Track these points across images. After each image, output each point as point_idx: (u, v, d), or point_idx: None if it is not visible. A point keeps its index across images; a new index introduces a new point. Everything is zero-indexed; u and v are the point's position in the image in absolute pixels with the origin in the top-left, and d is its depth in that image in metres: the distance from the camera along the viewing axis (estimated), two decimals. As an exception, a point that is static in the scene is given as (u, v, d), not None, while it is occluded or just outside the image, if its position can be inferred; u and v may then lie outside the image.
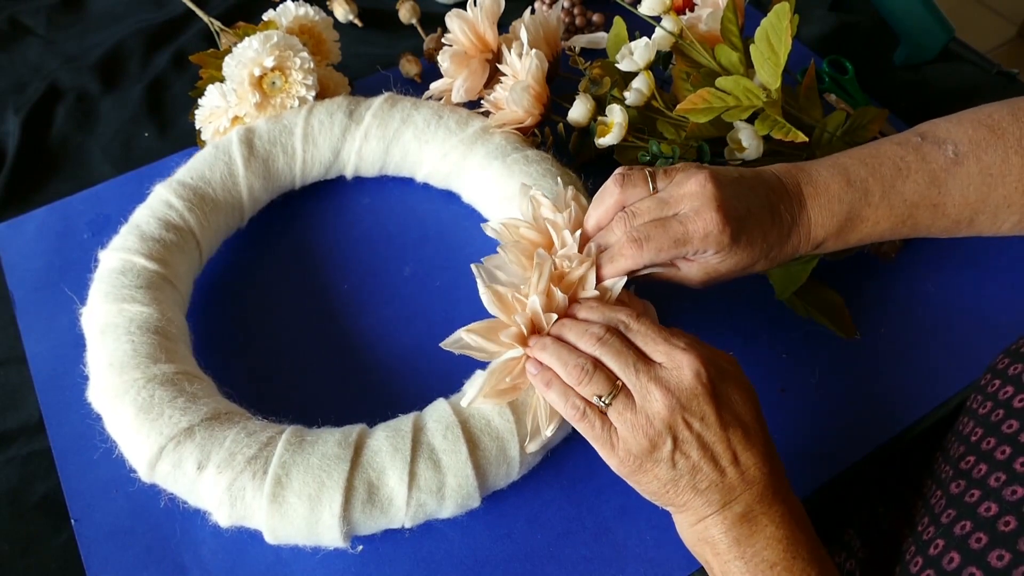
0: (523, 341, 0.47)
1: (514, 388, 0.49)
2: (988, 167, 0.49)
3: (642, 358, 0.44)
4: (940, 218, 0.50)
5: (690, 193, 0.47)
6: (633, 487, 0.45)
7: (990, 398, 0.48)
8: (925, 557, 0.43)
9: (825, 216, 0.50)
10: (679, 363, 0.43)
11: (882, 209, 0.50)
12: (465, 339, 0.48)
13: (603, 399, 0.43)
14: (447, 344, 0.48)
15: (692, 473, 0.42)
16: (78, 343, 0.54)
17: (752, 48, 0.58)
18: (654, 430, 0.42)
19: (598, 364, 0.44)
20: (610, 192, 0.49)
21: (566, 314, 0.49)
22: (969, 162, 0.49)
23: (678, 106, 0.59)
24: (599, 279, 0.49)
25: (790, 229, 0.50)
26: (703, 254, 0.48)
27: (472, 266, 0.49)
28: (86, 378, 0.52)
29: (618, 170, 0.50)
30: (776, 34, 0.57)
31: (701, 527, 0.44)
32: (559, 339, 0.47)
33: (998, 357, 0.50)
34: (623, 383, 0.43)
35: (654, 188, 0.49)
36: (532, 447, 0.49)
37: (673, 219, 0.47)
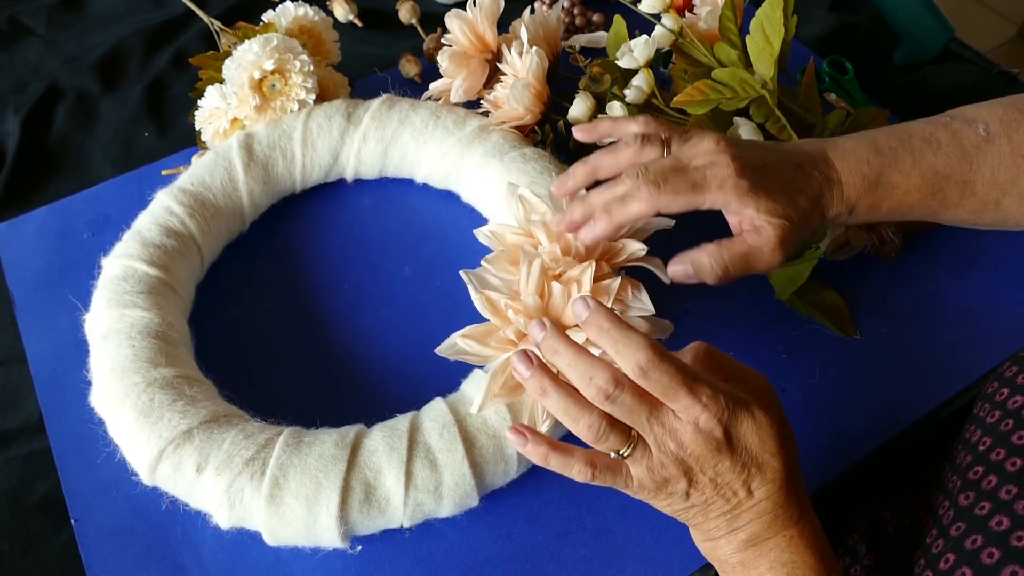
0: (516, 344, 0.47)
1: (520, 384, 0.48)
2: (1019, 147, 0.49)
3: (654, 408, 0.41)
4: (968, 196, 0.50)
5: (705, 150, 0.47)
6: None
7: (998, 407, 0.47)
8: (935, 571, 0.43)
9: (855, 177, 0.49)
10: (695, 418, 0.40)
11: (913, 177, 0.49)
12: (460, 344, 0.47)
13: (621, 452, 0.41)
14: (442, 350, 0.48)
15: (704, 505, 0.42)
16: (78, 343, 0.54)
17: (748, 39, 0.58)
18: (668, 473, 0.41)
19: (610, 419, 0.41)
20: (625, 146, 0.48)
21: (566, 325, 0.47)
22: (1000, 141, 0.49)
23: (676, 98, 0.60)
24: (603, 234, 0.47)
25: (820, 185, 0.49)
26: (731, 208, 0.47)
27: (461, 272, 0.49)
28: (86, 379, 0.52)
29: (637, 125, 0.50)
30: (771, 24, 0.57)
31: (710, 546, 0.44)
32: (559, 381, 0.42)
33: (1005, 364, 0.49)
34: (638, 433, 0.41)
35: (668, 151, 0.49)
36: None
37: (690, 167, 0.47)
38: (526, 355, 0.43)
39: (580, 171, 0.50)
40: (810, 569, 0.42)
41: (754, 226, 0.47)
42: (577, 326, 0.45)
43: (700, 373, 0.41)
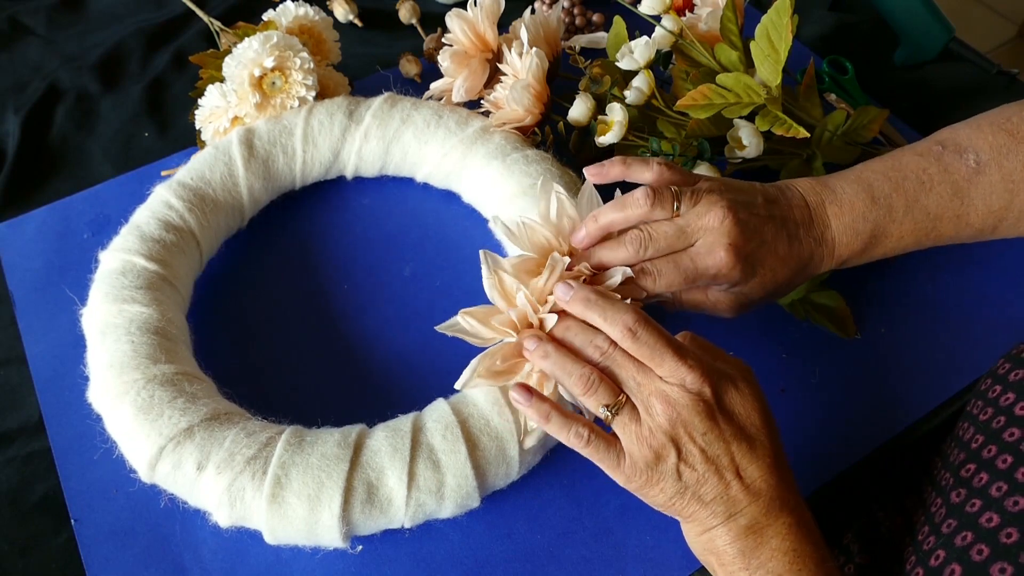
0: (517, 329, 0.47)
1: (509, 371, 0.48)
2: (1010, 174, 0.50)
3: (643, 369, 0.43)
4: (963, 228, 0.51)
5: (708, 227, 0.48)
6: (641, 499, 0.45)
7: (991, 404, 0.47)
8: (926, 568, 0.43)
9: (849, 236, 0.51)
10: (681, 379, 0.42)
11: (906, 224, 0.51)
12: (461, 322, 0.48)
13: (610, 408, 0.43)
14: (443, 327, 0.48)
15: (697, 485, 0.42)
16: (78, 343, 0.54)
17: (752, 45, 0.58)
18: (657, 441, 0.42)
19: (602, 374, 0.44)
20: (636, 204, 0.49)
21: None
22: (991, 170, 0.50)
23: (679, 102, 0.59)
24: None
25: (812, 251, 0.51)
26: (721, 286, 0.50)
27: (481, 252, 0.49)
28: (86, 378, 0.52)
29: (650, 173, 0.50)
30: (776, 31, 0.57)
31: (706, 538, 0.44)
32: (561, 345, 0.46)
33: (999, 362, 0.49)
34: (627, 396, 0.43)
35: (678, 207, 0.49)
36: (529, 442, 0.49)
37: (684, 255, 0.49)
38: (535, 335, 0.46)
39: (593, 229, 0.50)
40: (809, 558, 0.42)
41: (725, 293, 0.52)
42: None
43: (685, 345, 0.44)
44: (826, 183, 0.52)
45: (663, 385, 0.42)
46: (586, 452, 0.44)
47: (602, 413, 0.43)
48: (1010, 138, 0.50)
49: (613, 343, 0.44)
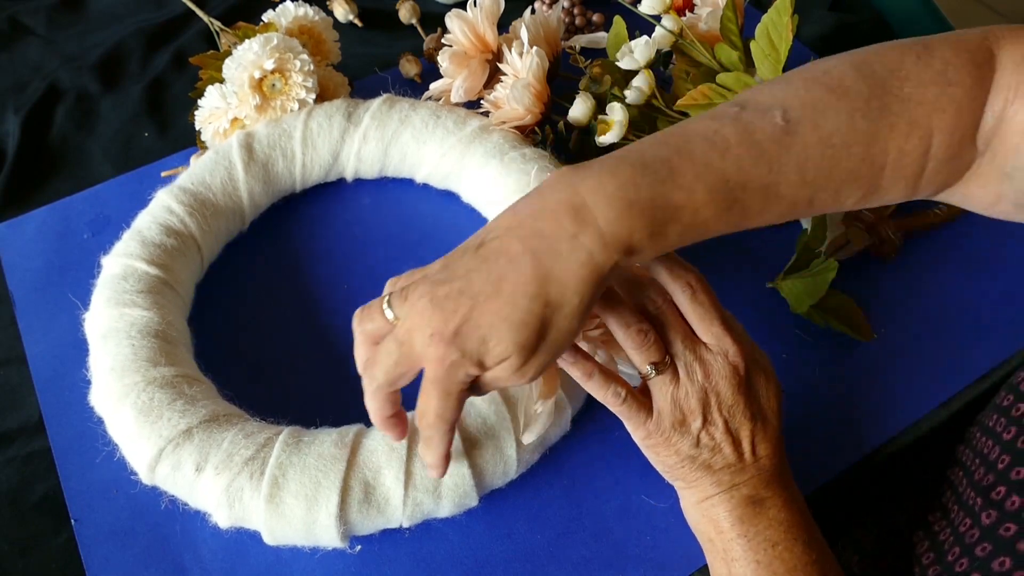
0: None
1: (552, 377, 0.49)
2: (829, 136, 0.39)
3: (690, 335, 0.44)
4: (774, 202, 0.40)
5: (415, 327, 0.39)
6: (648, 458, 0.46)
7: (1014, 423, 0.47)
8: None
9: (619, 207, 0.38)
10: (725, 350, 0.44)
11: (699, 193, 0.38)
12: None
13: (656, 367, 0.43)
14: None
15: (712, 452, 0.44)
16: (78, 343, 0.54)
17: (752, 44, 0.58)
18: (689, 407, 0.43)
19: (656, 333, 0.44)
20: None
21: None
22: (804, 130, 0.39)
23: (679, 101, 0.59)
24: None
25: (568, 243, 0.37)
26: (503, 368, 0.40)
27: None
28: (86, 378, 0.52)
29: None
30: (777, 30, 0.57)
31: (706, 505, 0.45)
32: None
33: (1020, 375, 0.49)
34: (671, 358, 0.44)
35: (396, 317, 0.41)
36: (528, 437, 0.49)
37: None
38: None
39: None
40: (804, 531, 0.44)
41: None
42: None
43: (733, 318, 0.45)
44: (576, 165, 0.40)
45: (707, 354, 0.44)
46: (620, 410, 0.45)
47: (646, 370, 0.44)
48: (828, 93, 0.39)
49: (667, 300, 0.44)
